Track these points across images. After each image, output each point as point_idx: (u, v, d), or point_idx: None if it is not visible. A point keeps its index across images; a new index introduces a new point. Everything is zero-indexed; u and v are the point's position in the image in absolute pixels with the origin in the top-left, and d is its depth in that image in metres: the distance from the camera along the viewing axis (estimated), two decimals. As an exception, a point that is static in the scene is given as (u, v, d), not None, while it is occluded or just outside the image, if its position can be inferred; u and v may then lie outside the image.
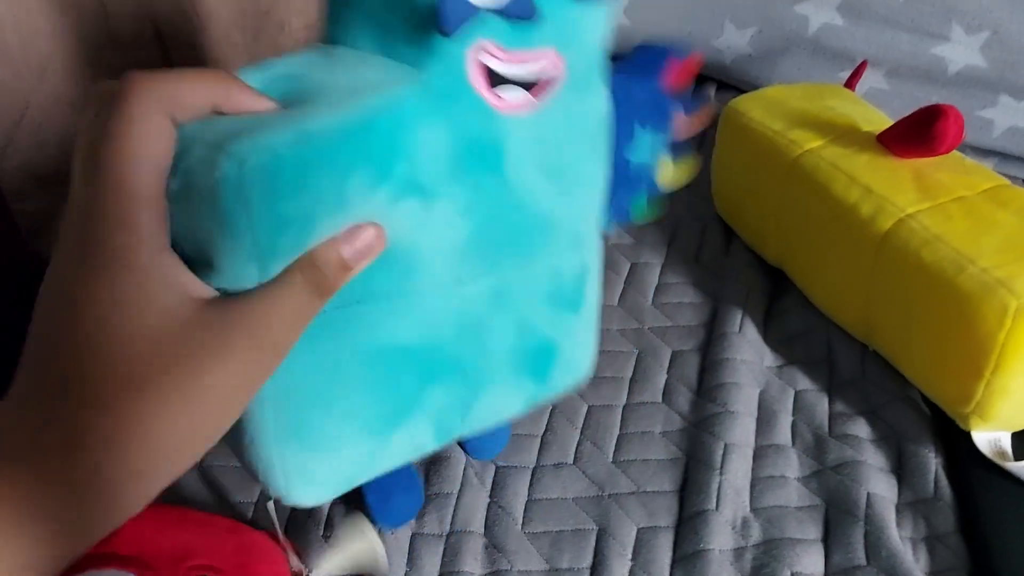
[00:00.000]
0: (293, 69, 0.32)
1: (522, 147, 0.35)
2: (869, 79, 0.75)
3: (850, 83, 0.68)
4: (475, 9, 0.31)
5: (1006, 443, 0.50)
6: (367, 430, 0.37)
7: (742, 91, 0.72)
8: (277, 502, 0.40)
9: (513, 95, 0.34)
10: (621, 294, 0.61)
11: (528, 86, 0.34)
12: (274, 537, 0.42)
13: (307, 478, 0.36)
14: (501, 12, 0.32)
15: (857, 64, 0.70)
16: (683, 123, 0.44)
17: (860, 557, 0.45)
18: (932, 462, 0.49)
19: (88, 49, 0.67)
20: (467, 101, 0.33)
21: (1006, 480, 0.48)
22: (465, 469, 0.48)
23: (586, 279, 0.41)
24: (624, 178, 0.42)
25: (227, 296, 0.29)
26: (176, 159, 0.28)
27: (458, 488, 0.47)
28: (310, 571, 0.41)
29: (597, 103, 0.37)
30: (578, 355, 0.43)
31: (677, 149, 0.44)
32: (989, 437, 0.50)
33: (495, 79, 0.33)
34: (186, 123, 0.28)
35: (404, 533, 0.45)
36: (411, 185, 0.32)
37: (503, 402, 0.41)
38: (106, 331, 0.26)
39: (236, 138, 0.28)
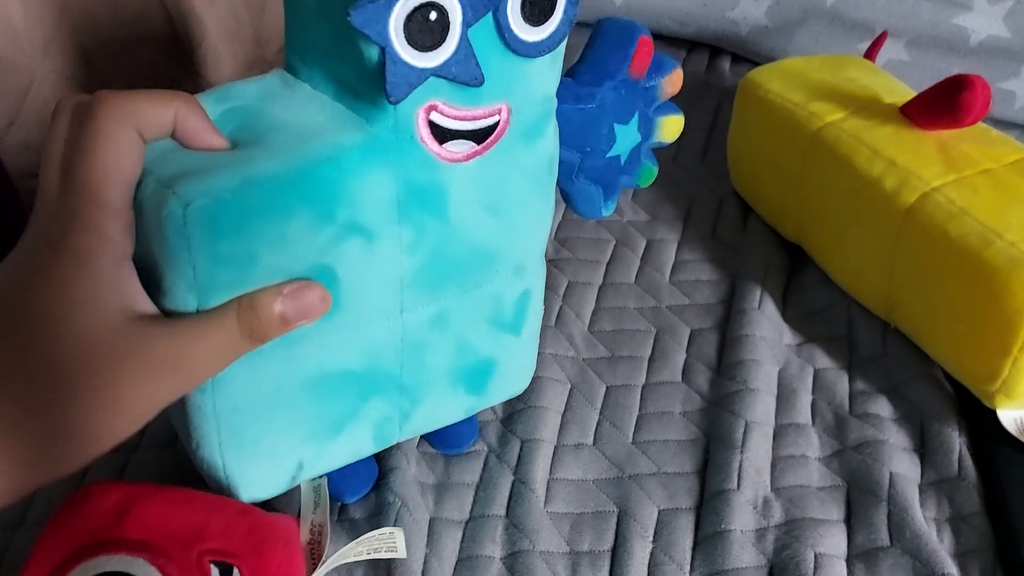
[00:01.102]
0: (250, 102, 0.34)
1: (466, 190, 0.36)
2: (889, 50, 0.74)
3: (870, 54, 0.67)
4: (422, 76, 0.31)
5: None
6: (306, 440, 0.39)
7: (758, 64, 0.71)
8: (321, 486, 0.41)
9: (461, 147, 0.35)
10: (637, 272, 0.60)
11: (477, 137, 0.35)
12: (297, 519, 0.41)
13: (248, 480, 0.39)
14: (448, 78, 0.32)
15: (877, 35, 0.69)
16: (669, 86, 0.44)
17: (884, 538, 0.44)
18: (956, 441, 0.49)
19: (93, 24, 0.66)
20: (413, 154, 0.34)
21: (1033, 459, 0.47)
22: (487, 457, 0.48)
23: (528, 304, 0.43)
24: (616, 168, 0.43)
25: (164, 317, 0.31)
26: None
27: (479, 476, 0.47)
28: (326, 556, 0.40)
29: (543, 148, 0.38)
30: (516, 370, 0.46)
31: (665, 111, 0.44)
32: (1015, 415, 0.49)
33: (444, 133, 0.34)
34: (151, 140, 0.30)
35: (423, 517, 0.44)
36: (354, 227, 0.34)
37: (441, 411, 0.44)
38: (48, 321, 0.29)
39: (184, 178, 0.30)
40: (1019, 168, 0.52)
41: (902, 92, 0.59)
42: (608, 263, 0.61)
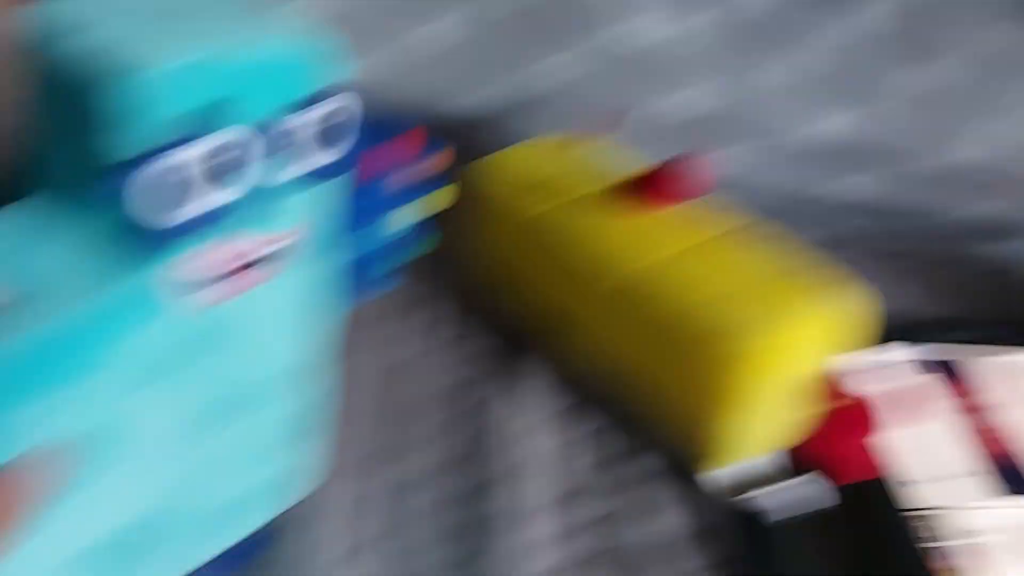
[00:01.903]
0: (5, 246, 0.30)
1: (248, 319, 0.35)
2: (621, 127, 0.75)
3: (596, 133, 0.67)
4: (204, 220, 0.30)
5: (748, 472, 0.50)
6: None
7: (487, 153, 0.71)
8: None
9: (249, 276, 0.34)
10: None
11: (266, 262, 0.34)
12: None
13: None
14: (236, 214, 0.31)
15: (608, 112, 0.69)
16: (426, 170, 0.45)
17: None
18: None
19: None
20: (188, 298, 0.32)
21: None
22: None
23: (312, 416, 0.42)
24: (383, 252, 0.45)
25: None
26: None
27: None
28: None
29: (329, 264, 0.38)
30: (304, 477, 0.45)
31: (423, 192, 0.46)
32: (726, 474, 0.50)
33: (232, 266, 0.33)
34: None
35: None
36: (123, 381, 0.32)
37: (231, 532, 0.42)
38: None
39: None
40: (726, 241, 0.54)
41: (622, 171, 0.59)
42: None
